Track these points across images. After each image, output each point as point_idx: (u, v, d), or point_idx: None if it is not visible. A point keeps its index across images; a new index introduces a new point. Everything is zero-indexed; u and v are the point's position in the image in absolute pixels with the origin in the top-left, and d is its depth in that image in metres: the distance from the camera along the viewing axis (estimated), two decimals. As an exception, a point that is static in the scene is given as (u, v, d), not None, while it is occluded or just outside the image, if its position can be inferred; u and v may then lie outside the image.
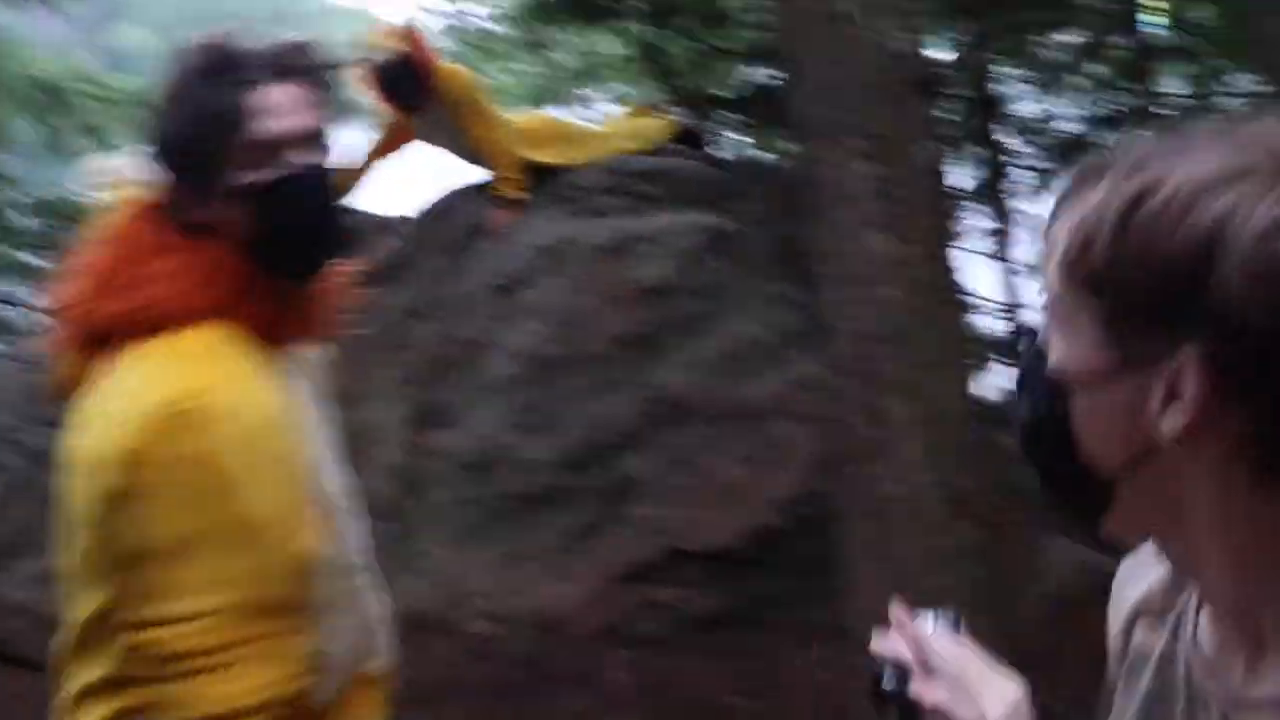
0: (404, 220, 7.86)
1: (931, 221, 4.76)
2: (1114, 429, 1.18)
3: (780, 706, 6.32)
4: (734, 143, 10.19)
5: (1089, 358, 1.18)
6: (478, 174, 7.66)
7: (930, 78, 4.97)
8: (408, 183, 8.32)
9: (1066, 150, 9.23)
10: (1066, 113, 9.88)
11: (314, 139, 2.10)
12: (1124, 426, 1.17)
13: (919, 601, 4.43)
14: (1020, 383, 1.31)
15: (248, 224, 2.07)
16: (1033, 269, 10.43)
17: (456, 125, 7.28)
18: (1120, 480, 1.20)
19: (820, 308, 4.90)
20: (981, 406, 8.43)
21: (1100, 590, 5.71)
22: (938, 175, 4.87)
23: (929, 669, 1.21)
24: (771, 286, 7.08)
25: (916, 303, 4.63)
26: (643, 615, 6.51)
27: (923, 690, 1.23)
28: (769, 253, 7.28)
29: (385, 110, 7.39)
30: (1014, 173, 10.29)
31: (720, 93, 10.09)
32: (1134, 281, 1.14)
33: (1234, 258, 1.08)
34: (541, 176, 7.51)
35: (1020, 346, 1.34)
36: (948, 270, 4.84)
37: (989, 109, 9.75)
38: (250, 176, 2.05)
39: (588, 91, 12.05)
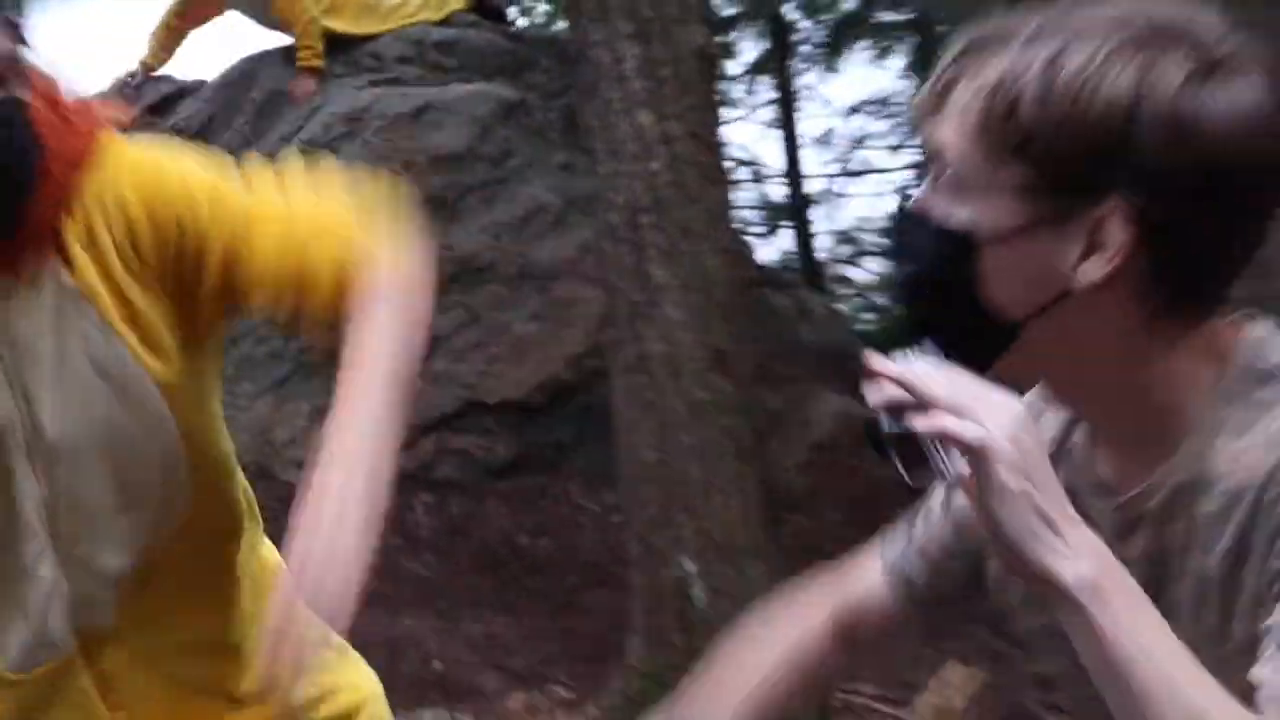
0: (205, 85, 7.78)
1: (696, 100, 4.86)
2: (1027, 279, 1.20)
3: (569, 544, 6.52)
4: (531, 15, 10.22)
5: (1005, 215, 1.19)
6: (279, 40, 7.58)
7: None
8: (210, 47, 8.20)
9: (845, 26, 9.36)
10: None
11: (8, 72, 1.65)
12: (1038, 276, 1.19)
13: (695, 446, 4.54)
14: (897, 244, 1.32)
15: None
16: (818, 139, 10.70)
17: (256, -6, 7.21)
18: (1027, 325, 1.22)
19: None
20: (756, 270, 8.68)
21: (856, 439, 6.02)
22: (705, 57, 4.97)
23: (924, 402, 1.13)
24: (560, 155, 7.16)
25: (680, 177, 4.75)
26: (442, 462, 6.64)
27: (922, 421, 1.14)
28: (559, 123, 7.36)
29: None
30: (797, 47, 10.41)
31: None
32: (1059, 144, 1.16)
33: (1153, 118, 1.13)
34: (342, 45, 7.46)
35: (894, 213, 1.32)
36: (711, 146, 4.96)
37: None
38: None
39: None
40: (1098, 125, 1.14)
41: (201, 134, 7.29)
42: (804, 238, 10.53)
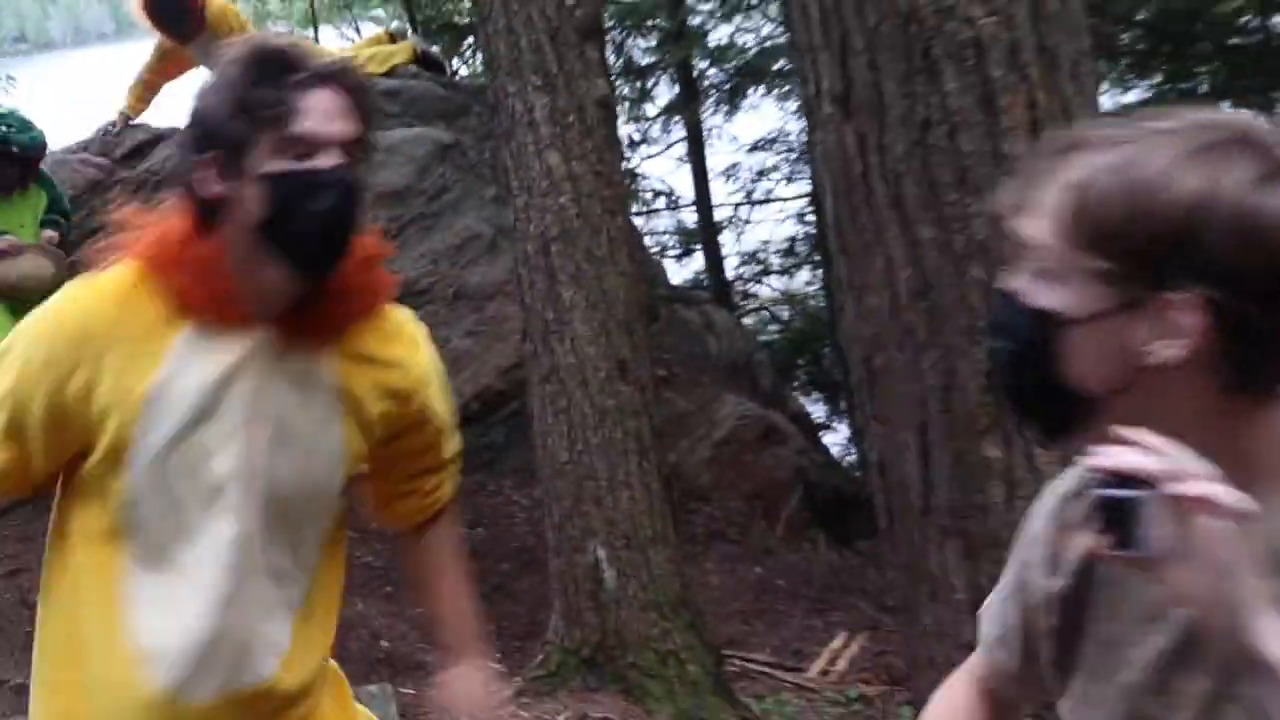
0: (178, 132, 7.81)
1: (597, 143, 4.96)
2: (1107, 358, 1.19)
3: (502, 534, 6.63)
4: (472, 65, 10.30)
5: (1087, 300, 1.19)
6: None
7: (597, 25, 5.16)
8: (183, 98, 8.24)
9: (745, 73, 9.49)
10: (748, 42, 10.15)
11: (347, 147, 1.82)
12: (1117, 355, 1.19)
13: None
14: (997, 326, 1.31)
15: (258, 206, 1.79)
16: (725, 172, 10.84)
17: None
18: (1107, 399, 1.21)
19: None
20: (666, 288, 8.81)
21: (755, 436, 6.10)
22: (604, 105, 5.08)
23: (1171, 473, 1.08)
24: (490, 190, 7.28)
25: (585, 209, 4.87)
26: (388, 464, 6.72)
27: (1185, 486, 1.08)
28: (489, 161, 7.47)
29: (162, 38, 7.32)
30: (705, 92, 10.54)
31: (458, 21, 10.16)
32: (1136, 240, 1.16)
33: (1223, 217, 1.13)
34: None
35: (994, 300, 1.32)
36: (612, 182, 5.06)
37: (683, 38, 9.96)
38: (276, 165, 1.78)
39: (347, 18, 11.98)
40: (1170, 223, 1.15)
41: (172, 178, 7.32)
42: (714, 259, 10.67)
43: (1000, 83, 2.63)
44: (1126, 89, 9.25)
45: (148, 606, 1.89)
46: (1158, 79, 9.03)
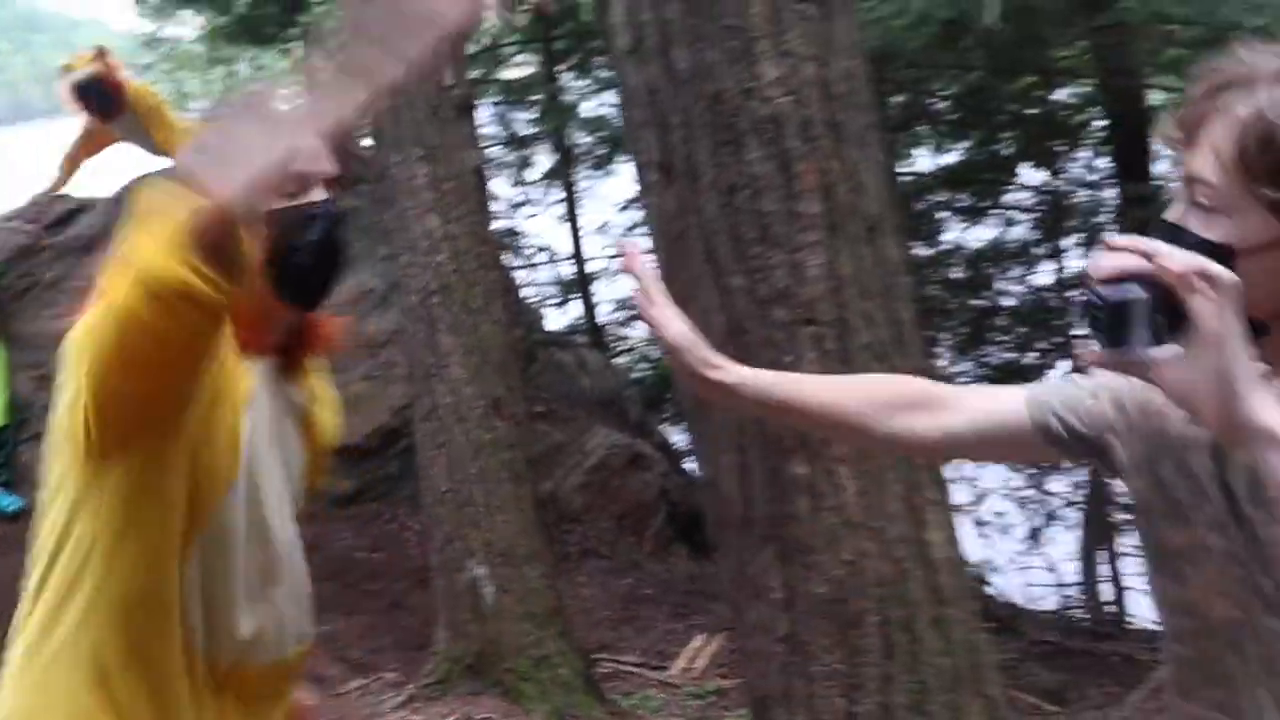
0: (100, 202, 7.71)
1: (472, 206, 5.01)
2: (1274, 284, 1.14)
3: (396, 557, 6.58)
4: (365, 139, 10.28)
5: (1260, 230, 1.13)
6: (165, 163, 7.55)
7: (471, 103, 5.21)
8: (110, 170, 8.13)
9: (614, 141, 9.59)
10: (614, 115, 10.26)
11: (332, 184, 1.79)
12: None
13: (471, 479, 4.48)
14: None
15: (261, 243, 1.67)
16: (598, 228, 10.93)
17: (145, 129, 7.16)
18: (1271, 322, 1.16)
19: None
20: (542, 333, 8.86)
21: (624, 463, 6.11)
22: (478, 173, 5.13)
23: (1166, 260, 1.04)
24: (383, 248, 7.27)
25: (461, 266, 4.90)
26: (298, 496, 6.66)
27: (1175, 262, 1.03)
28: (381, 224, 7.48)
29: (86, 117, 7.22)
30: (581, 158, 10.64)
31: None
32: None
33: None
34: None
35: (1161, 233, 1.17)
36: (486, 241, 5.11)
37: (560, 111, 10.05)
38: (276, 205, 1.69)
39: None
40: None
41: (95, 243, 7.23)
42: (589, 306, 10.75)
43: (795, 152, 2.71)
44: (944, 151, 9.53)
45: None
46: (969, 143, 9.32)
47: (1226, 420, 1.06)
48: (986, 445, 1.46)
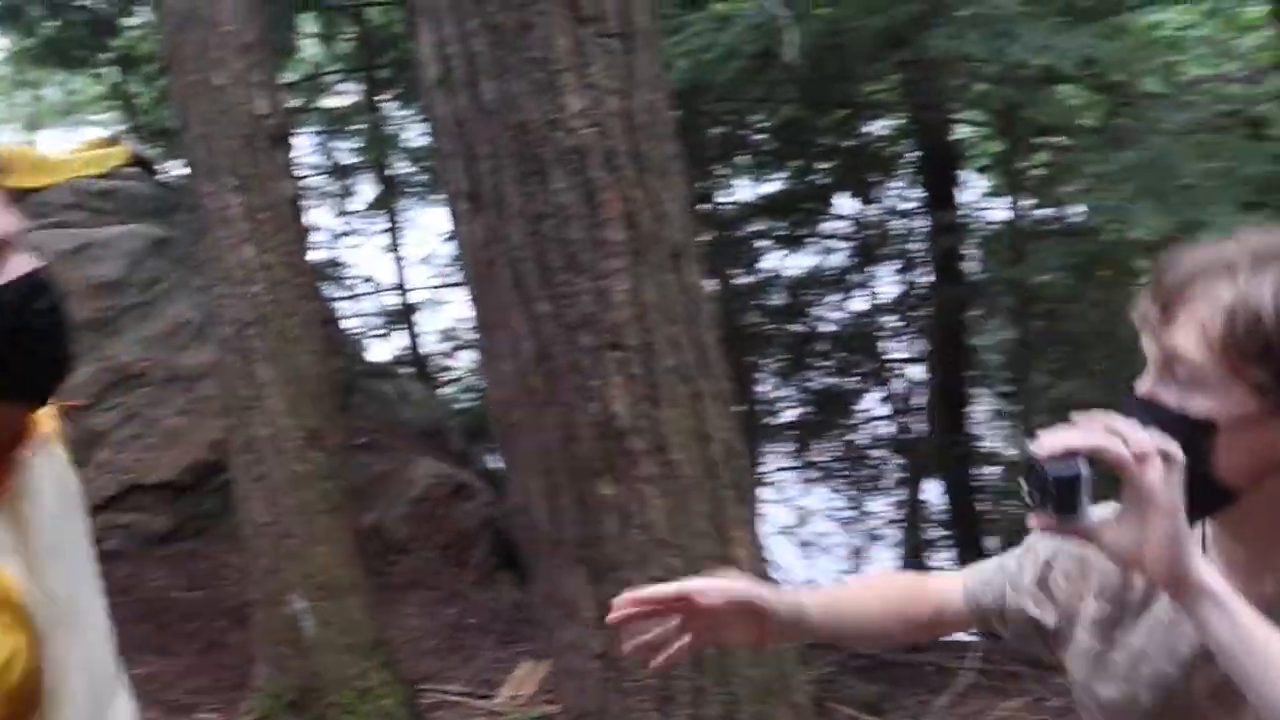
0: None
1: (289, 237, 4.95)
2: (1253, 456, 1.19)
3: (214, 595, 6.43)
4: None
5: (1241, 406, 1.17)
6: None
7: (287, 132, 5.16)
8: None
9: (431, 171, 9.58)
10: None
11: (18, 244, 1.28)
12: (1263, 453, 1.18)
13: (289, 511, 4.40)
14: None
15: None
16: (422, 259, 10.88)
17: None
18: (1246, 490, 1.21)
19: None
20: (363, 363, 8.80)
21: (447, 493, 6.08)
22: (294, 203, 5.07)
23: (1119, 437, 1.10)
24: (199, 279, 7.15)
25: (278, 296, 4.84)
26: (109, 536, 6.46)
27: (1125, 440, 1.10)
28: (196, 253, 7.37)
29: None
30: (404, 188, 10.60)
31: (173, 126, 9.90)
32: None
33: None
34: (19, 197, 7.26)
35: (1133, 405, 1.24)
36: (303, 271, 5.06)
37: (382, 140, 10.01)
38: None
39: (69, 122, 11.54)
40: None
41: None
42: (412, 337, 10.69)
43: (600, 182, 2.81)
44: (764, 180, 9.77)
45: None
46: (787, 174, 9.59)
47: (1177, 579, 1.14)
48: (962, 623, 1.59)
